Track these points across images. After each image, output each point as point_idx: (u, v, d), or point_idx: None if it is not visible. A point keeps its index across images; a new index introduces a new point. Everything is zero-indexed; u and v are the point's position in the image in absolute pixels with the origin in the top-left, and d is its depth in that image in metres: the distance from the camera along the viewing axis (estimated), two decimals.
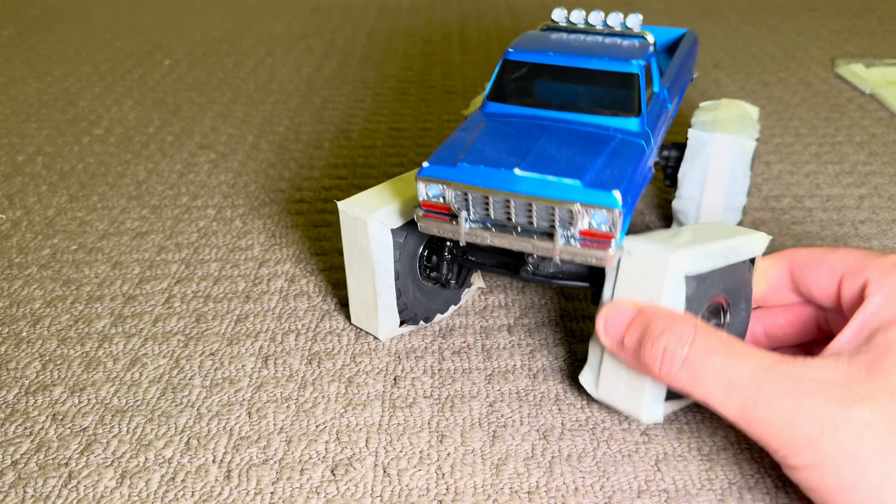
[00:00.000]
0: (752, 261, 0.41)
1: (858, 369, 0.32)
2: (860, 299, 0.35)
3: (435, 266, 0.48)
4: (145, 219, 0.65)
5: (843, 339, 0.34)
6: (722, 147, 0.54)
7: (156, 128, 0.83)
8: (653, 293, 0.37)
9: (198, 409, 0.43)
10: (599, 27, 0.49)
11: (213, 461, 0.40)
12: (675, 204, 0.57)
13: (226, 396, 0.44)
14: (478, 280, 0.53)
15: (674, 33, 0.63)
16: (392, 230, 0.45)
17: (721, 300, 0.40)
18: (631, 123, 0.43)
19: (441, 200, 0.41)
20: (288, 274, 0.57)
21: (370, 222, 0.44)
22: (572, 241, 0.38)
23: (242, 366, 0.47)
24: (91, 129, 0.83)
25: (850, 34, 1.13)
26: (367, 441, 0.41)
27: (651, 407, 0.39)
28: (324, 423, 0.42)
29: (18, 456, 0.40)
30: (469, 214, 0.40)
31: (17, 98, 0.93)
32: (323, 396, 0.44)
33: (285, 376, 0.46)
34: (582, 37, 0.49)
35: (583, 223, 0.38)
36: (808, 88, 0.92)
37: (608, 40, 0.48)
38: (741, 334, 0.42)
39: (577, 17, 0.50)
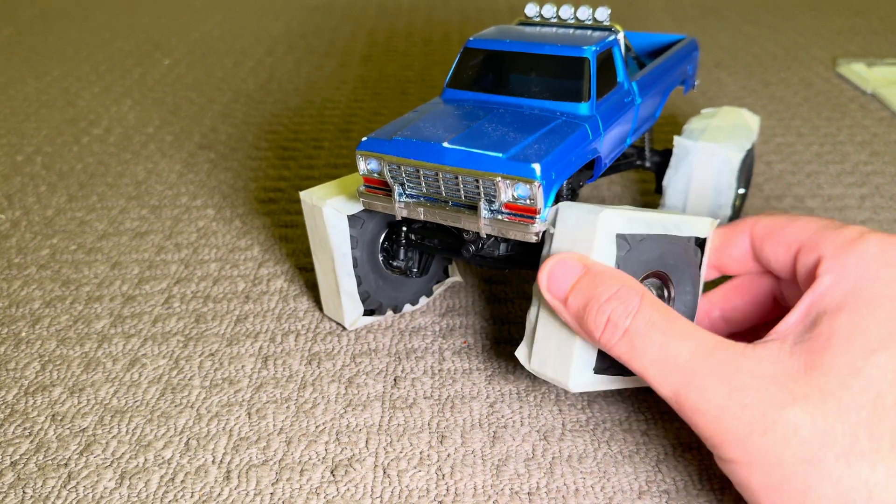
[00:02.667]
0: (702, 247, 0.40)
1: (798, 362, 0.31)
2: (813, 276, 0.34)
3: (394, 253, 0.48)
4: (145, 219, 0.65)
5: (791, 320, 0.33)
6: (705, 156, 0.53)
7: (155, 127, 0.83)
8: (585, 251, 0.36)
9: (197, 410, 0.43)
10: (570, 21, 0.50)
11: (213, 462, 0.40)
12: None
13: (225, 397, 0.44)
14: (454, 274, 0.54)
15: (671, 38, 0.62)
16: (349, 217, 0.46)
17: (663, 276, 0.39)
18: (580, 108, 0.43)
19: (378, 175, 0.42)
20: (288, 274, 0.56)
21: (325, 209, 0.45)
22: (499, 215, 0.39)
23: (242, 366, 0.47)
24: (90, 128, 0.83)
25: (852, 34, 1.13)
26: (367, 442, 0.41)
27: (578, 376, 0.38)
28: (324, 423, 0.42)
29: (18, 456, 0.40)
30: (404, 189, 0.41)
31: (17, 98, 0.92)
32: (323, 397, 0.44)
33: (285, 377, 0.46)
34: (547, 29, 0.49)
35: (506, 196, 0.38)
36: (809, 88, 0.92)
37: (572, 31, 0.48)
38: (688, 317, 0.41)
39: (549, 11, 0.50)
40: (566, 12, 0.49)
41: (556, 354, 0.38)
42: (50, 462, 0.40)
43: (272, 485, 0.38)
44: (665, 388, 0.32)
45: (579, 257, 0.36)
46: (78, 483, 0.39)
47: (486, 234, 0.40)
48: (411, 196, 0.42)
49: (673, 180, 0.55)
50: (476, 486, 0.38)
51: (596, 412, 0.43)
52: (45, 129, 0.83)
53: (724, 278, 0.43)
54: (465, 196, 0.40)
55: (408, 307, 0.51)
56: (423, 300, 0.52)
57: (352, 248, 0.47)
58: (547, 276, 0.36)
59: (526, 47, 0.46)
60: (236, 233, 0.62)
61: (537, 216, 0.38)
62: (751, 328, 0.43)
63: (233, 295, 0.54)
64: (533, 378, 0.45)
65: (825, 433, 0.29)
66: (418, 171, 0.40)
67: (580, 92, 0.43)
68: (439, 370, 0.46)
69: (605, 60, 0.46)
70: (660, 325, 0.33)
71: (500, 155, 0.38)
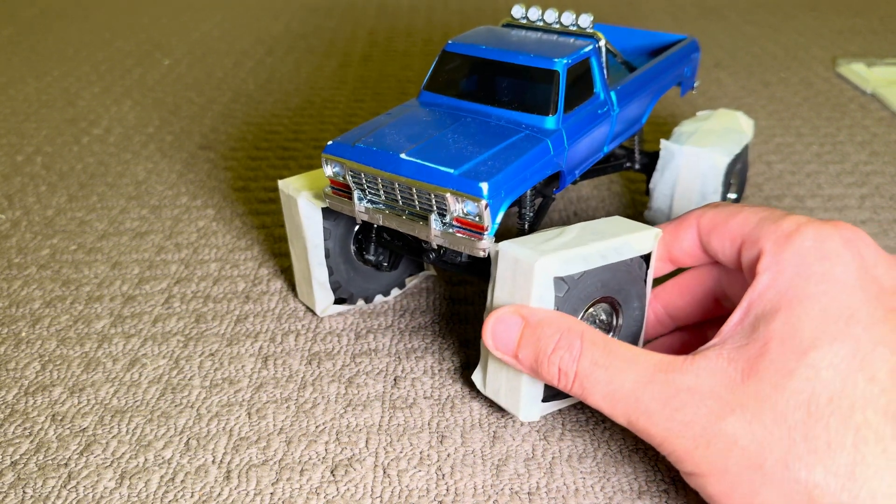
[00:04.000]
0: (648, 259, 0.40)
1: (736, 370, 0.31)
2: (754, 272, 0.34)
3: (366, 247, 0.49)
4: (145, 219, 0.64)
5: (733, 321, 0.34)
6: (691, 160, 0.53)
7: (155, 127, 0.83)
8: (524, 296, 0.37)
9: (197, 410, 0.43)
10: (554, 25, 0.49)
11: (213, 462, 0.40)
12: (646, 215, 0.57)
13: (225, 397, 0.44)
14: (428, 268, 0.54)
15: (672, 38, 0.62)
16: (323, 210, 0.47)
17: (609, 300, 0.40)
18: (546, 122, 0.43)
19: (342, 179, 0.43)
20: (288, 274, 0.56)
21: (300, 200, 0.46)
22: (450, 228, 0.40)
23: (242, 366, 0.47)
24: (90, 128, 0.83)
25: (852, 34, 1.13)
26: (367, 442, 0.41)
27: (528, 407, 0.40)
28: (324, 423, 0.42)
29: (18, 456, 0.40)
30: (364, 194, 0.42)
31: (17, 98, 0.92)
32: (323, 397, 0.44)
33: (285, 377, 0.46)
34: (528, 34, 0.49)
35: (456, 211, 0.39)
36: (809, 88, 0.92)
37: (551, 38, 0.48)
38: (636, 332, 0.42)
39: (535, 14, 0.50)
40: (551, 16, 0.49)
41: (507, 387, 0.40)
42: (50, 462, 0.40)
43: (272, 485, 0.38)
44: (619, 418, 0.34)
45: (515, 310, 0.37)
46: (78, 483, 0.39)
47: (437, 245, 0.41)
48: (373, 202, 0.42)
49: (659, 184, 0.55)
50: (476, 485, 0.38)
51: (595, 412, 0.43)
52: (45, 129, 0.83)
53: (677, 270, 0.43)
54: (419, 206, 0.40)
55: (379, 298, 0.52)
56: (396, 292, 0.53)
57: (324, 240, 0.48)
58: (491, 337, 0.37)
59: (500, 55, 0.46)
60: (236, 233, 0.62)
61: (485, 233, 0.39)
62: (694, 326, 0.44)
63: (233, 295, 0.54)
64: None
65: (763, 439, 0.30)
66: (377, 179, 0.41)
67: (547, 105, 0.43)
68: (439, 370, 0.46)
69: (580, 71, 0.45)
70: (602, 362, 0.34)
71: (452, 171, 0.39)
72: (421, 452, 0.40)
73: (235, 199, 0.67)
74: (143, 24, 1.24)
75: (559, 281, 0.37)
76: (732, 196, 0.60)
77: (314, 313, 0.52)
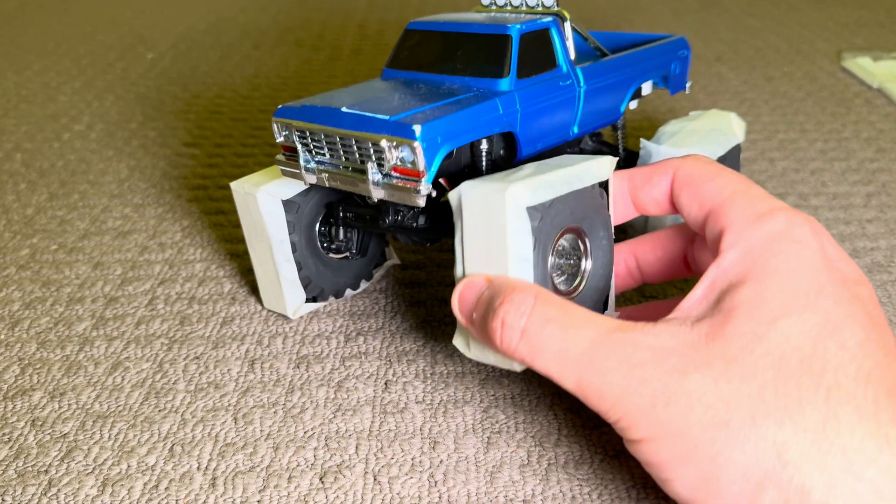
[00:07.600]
0: (605, 187, 0.41)
1: (699, 335, 0.31)
2: (717, 247, 0.34)
3: (331, 236, 0.50)
4: (128, 218, 0.64)
5: (695, 296, 0.33)
6: None
7: (138, 123, 0.82)
8: (498, 232, 0.36)
9: (182, 415, 0.43)
10: (521, 8, 0.50)
11: (198, 468, 0.39)
12: None
13: (211, 401, 0.44)
14: (392, 257, 0.55)
15: (658, 38, 0.61)
16: (284, 202, 0.47)
17: (576, 230, 0.40)
18: (499, 84, 0.44)
19: (290, 142, 0.44)
20: None
21: (259, 195, 0.46)
22: (390, 179, 0.40)
23: (228, 370, 0.46)
24: (71, 124, 0.82)
25: (857, 26, 1.13)
26: (357, 448, 0.40)
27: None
28: (312, 429, 0.42)
29: None
30: (312, 156, 0.43)
31: None
32: (311, 401, 0.44)
33: (272, 380, 0.45)
34: (494, 14, 0.50)
35: (391, 158, 0.39)
36: (813, 82, 0.91)
37: (513, 16, 0.49)
38: (607, 262, 0.42)
39: None
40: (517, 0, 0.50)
41: None
42: (30, 469, 0.39)
43: (259, 492, 0.38)
44: (568, 380, 0.32)
45: (485, 276, 0.36)
46: (59, 490, 0.38)
47: (377, 199, 0.41)
48: (320, 163, 0.43)
49: None
50: (469, 493, 0.38)
51: (593, 416, 0.42)
52: (24, 125, 0.82)
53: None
54: (360, 160, 0.41)
55: (349, 292, 0.52)
56: (364, 284, 0.53)
57: (289, 234, 0.47)
58: (458, 299, 0.37)
59: (457, 27, 0.47)
60: (222, 232, 0.61)
61: (422, 179, 0.39)
62: (661, 281, 0.45)
63: (219, 296, 0.53)
64: (528, 382, 0.45)
65: (729, 396, 0.29)
66: (321, 136, 0.42)
67: (500, 68, 0.44)
68: (431, 373, 0.46)
69: (537, 41, 0.46)
70: (555, 318, 0.33)
71: (387, 117, 0.39)
72: (412, 459, 0.40)
73: (221, 198, 0.67)
74: (125, 17, 1.22)
75: (532, 210, 0.37)
76: None
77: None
